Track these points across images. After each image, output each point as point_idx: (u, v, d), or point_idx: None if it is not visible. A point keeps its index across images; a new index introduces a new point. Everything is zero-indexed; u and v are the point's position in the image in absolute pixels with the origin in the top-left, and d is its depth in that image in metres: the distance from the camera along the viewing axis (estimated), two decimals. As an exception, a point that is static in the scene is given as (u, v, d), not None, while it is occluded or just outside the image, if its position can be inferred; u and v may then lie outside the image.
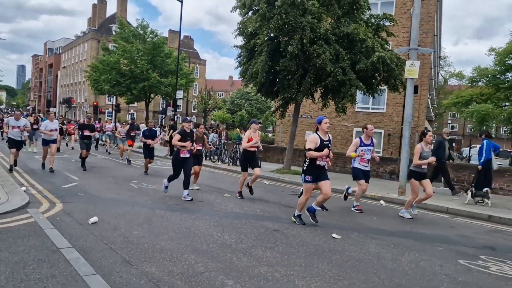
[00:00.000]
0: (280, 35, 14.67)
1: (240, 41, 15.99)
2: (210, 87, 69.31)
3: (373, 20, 15.58)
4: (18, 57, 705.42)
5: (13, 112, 18.85)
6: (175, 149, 8.79)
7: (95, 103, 32.96)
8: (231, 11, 15.93)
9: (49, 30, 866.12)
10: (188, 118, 10.74)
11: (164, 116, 28.97)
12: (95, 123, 20.40)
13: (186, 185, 8.53)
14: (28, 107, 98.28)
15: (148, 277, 3.95)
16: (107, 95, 32.73)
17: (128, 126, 16.51)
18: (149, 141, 12.80)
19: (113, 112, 32.34)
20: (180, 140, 8.40)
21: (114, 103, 30.58)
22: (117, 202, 7.73)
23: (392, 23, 15.95)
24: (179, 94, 22.80)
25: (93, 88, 28.71)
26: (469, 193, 10.17)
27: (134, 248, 4.83)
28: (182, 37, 73.90)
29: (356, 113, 25.10)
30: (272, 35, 14.86)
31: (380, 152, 23.61)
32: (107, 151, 20.14)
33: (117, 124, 24.84)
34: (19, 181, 9.15)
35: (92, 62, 30.77)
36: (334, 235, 6.08)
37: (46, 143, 11.67)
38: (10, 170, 10.67)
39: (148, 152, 12.74)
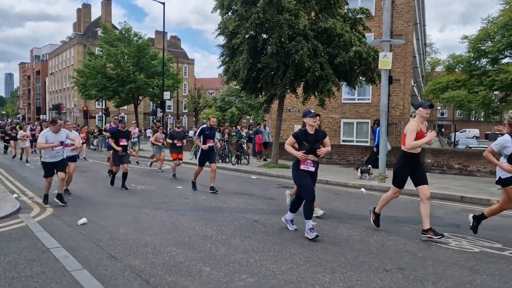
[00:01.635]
0: (259, 34, 15.02)
1: (222, 40, 16.32)
2: (200, 86, 69.53)
3: (350, 15, 15.99)
4: (5, 65, 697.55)
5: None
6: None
7: (85, 108, 33.13)
8: (211, 12, 16.24)
9: (36, 37, 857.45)
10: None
11: (154, 117, 29.20)
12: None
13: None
14: (18, 115, 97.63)
15: (132, 269, 4.30)
16: (96, 100, 32.87)
17: (173, 132, 13.93)
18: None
19: (103, 116, 32.54)
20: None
21: (103, 107, 30.79)
22: (106, 203, 8.05)
23: (368, 17, 16.35)
24: (166, 95, 23.09)
25: (81, 93, 28.88)
26: (357, 170, 12.30)
27: (120, 245, 5.18)
28: (169, 37, 74.15)
29: (343, 105, 25.54)
30: (252, 33, 15.18)
31: (367, 142, 24.08)
32: (136, 161, 17.42)
33: (147, 130, 24.48)
34: (10, 189, 9.43)
35: (78, 67, 30.89)
36: (310, 222, 6.45)
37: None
38: (45, 201, 7.66)
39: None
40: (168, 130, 26.38)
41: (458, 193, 9.45)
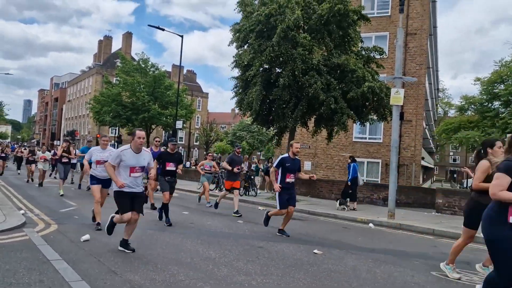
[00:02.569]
0: (272, 67, 15.34)
1: (236, 72, 16.67)
2: (212, 119, 70.34)
3: (363, 53, 16.30)
4: (25, 92, 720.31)
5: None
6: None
7: (98, 135, 33.55)
8: (228, 45, 16.68)
9: (57, 66, 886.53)
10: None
11: (166, 147, 29.46)
12: (54, 151, 18.39)
13: None
14: (33, 140, 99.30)
15: (131, 284, 4.22)
16: (109, 127, 33.36)
17: (233, 156, 11.17)
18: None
19: (116, 143, 32.91)
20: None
21: (115, 135, 31.24)
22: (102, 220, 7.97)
23: (381, 55, 16.61)
24: (179, 124, 23.35)
25: (95, 120, 29.42)
26: (337, 202, 13.24)
27: (121, 261, 5.10)
28: (185, 71, 75.96)
29: (354, 143, 25.48)
30: (266, 66, 15.49)
31: (378, 180, 23.85)
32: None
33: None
34: (18, 206, 9.46)
35: (94, 95, 31.67)
36: (315, 250, 6.32)
37: (98, 180, 7.49)
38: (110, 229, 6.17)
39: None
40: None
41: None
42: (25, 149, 23.26)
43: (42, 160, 15.92)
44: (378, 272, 5.26)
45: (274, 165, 7.75)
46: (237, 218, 9.78)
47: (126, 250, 5.61)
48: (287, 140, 17.63)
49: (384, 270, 5.38)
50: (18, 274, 4.25)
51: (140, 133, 5.68)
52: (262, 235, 7.67)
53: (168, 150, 8.98)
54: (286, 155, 7.76)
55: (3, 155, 20.54)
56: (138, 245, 6.14)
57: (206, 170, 13.13)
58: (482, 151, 5.08)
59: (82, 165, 15.26)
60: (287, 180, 7.51)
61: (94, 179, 7.53)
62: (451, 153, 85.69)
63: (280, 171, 7.62)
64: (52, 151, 19.41)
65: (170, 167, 8.51)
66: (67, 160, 13.90)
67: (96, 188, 7.42)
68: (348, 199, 13.35)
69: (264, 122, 17.10)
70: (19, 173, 21.43)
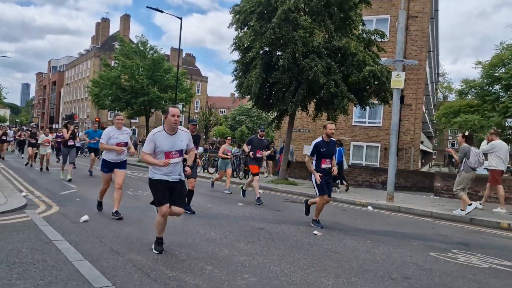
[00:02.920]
0: (273, 49, 15.20)
1: (236, 55, 16.54)
2: (212, 103, 70.05)
3: (364, 35, 16.14)
4: (23, 75, 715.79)
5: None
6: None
7: (97, 119, 33.44)
8: (227, 27, 16.49)
9: (54, 49, 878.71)
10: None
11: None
12: (57, 134, 17.88)
13: None
14: (31, 124, 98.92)
15: (133, 263, 4.26)
16: (108, 111, 33.10)
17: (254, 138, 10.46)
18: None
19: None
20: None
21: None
22: (111, 205, 8.01)
23: (382, 38, 16.43)
24: (178, 108, 23.16)
25: (94, 103, 29.23)
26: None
27: (123, 241, 5.14)
28: (184, 54, 75.30)
29: (353, 127, 25.48)
30: (266, 49, 15.35)
31: (377, 165, 23.92)
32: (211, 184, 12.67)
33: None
34: (19, 188, 9.48)
35: (93, 78, 31.39)
36: (315, 232, 6.38)
37: (109, 167, 7.06)
38: (99, 206, 7.32)
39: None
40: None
41: (468, 215, 9.24)
42: (25, 131, 22.59)
43: (47, 144, 14.84)
44: (377, 252, 5.31)
45: (309, 153, 6.89)
46: (237, 201, 9.81)
47: (156, 251, 4.77)
48: (287, 124, 17.60)
49: (383, 251, 5.43)
50: (21, 254, 4.29)
51: (174, 110, 4.73)
52: (263, 217, 7.72)
53: (259, 135, 9.40)
54: (320, 139, 6.84)
55: (3, 137, 19.80)
56: (139, 226, 6.19)
57: (228, 155, 12.48)
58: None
59: (90, 150, 14.88)
60: (323, 166, 6.80)
61: (106, 166, 6.99)
62: (450, 138, 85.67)
63: (315, 158, 6.91)
64: (55, 134, 18.67)
65: (260, 153, 9.11)
66: (72, 143, 13.41)
67: (107, 177, 7.08)
68: (338, 182, 13.36)
69: (264, 106, 17.02)
70: (22, 157, 20.68)
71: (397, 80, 12.67)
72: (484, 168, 11.52)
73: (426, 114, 31.14)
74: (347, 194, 12.83)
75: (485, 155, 9.95)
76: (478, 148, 9.90)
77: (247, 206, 9.10)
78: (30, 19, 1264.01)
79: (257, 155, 10.06)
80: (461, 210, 9.10)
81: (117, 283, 3.68)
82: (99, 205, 7.26)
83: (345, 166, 14.39)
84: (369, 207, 10.40)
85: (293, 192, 12.93)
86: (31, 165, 16.18)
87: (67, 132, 13.69)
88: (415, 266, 4.73)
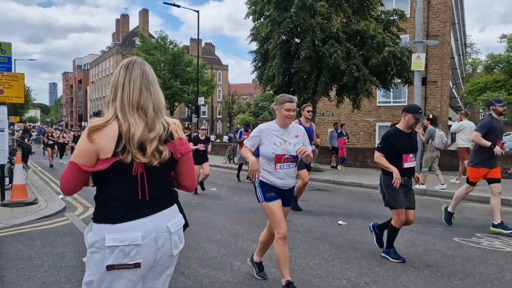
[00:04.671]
0: (291, 38, 15.20)
1: (254, 46, 16.60)
2: (233, 91, 70.20)
3: (383, 16, 15.89)
4: (50, 75, 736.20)
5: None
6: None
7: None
8: (244, 18, 16.58)
9: (77, 47, 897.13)
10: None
11: (190, 122, 29.93)
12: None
13: None
14: (61, 123, 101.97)
15: (168, 262, 4.57)
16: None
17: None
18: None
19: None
20: None
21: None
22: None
23: (402, 18, 16.11)
24: (201, 100, 23.64)
25: (120, 101, 30.03)
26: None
27: (156, 241, 5.47)
28: (203, 44, 75.47)
29: (378, 108, 25.19)
30: (284, 38, 15.35)
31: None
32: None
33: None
34: (56, 190, 10.02)
35: (116, 76, 32.17)
36: (340, 222, 6.56)
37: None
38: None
39: None
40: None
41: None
42: (67, 132, 20.92)
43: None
44: (401, 240, 5.45)
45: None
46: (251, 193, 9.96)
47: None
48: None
49: (407, 238, 5.57)
50: (66, 257, 4.67)
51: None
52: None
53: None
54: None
55: (50, 142, 17.47)
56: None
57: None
58: None
59: None
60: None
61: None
62: (481, 110, 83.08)
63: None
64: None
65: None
66: None
67: None
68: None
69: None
70: (60, 162, 18.13)
71: (418, 62, 12.54)
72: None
73: (453, 89, 30.30)
74: (373, 177, 12.81)
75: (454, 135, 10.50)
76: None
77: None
78: (52, 20, 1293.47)
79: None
80: (441, 184, 10.14)
81: (154, 282, 3.98)
82: None
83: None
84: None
85: (318, 179, 13.03)
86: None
87: None
88: (437, 253, 4.86)
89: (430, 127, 10.53)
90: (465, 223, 6.64)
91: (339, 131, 16.75)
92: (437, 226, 6.33)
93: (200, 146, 9.56)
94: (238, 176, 12.84)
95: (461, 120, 11.03)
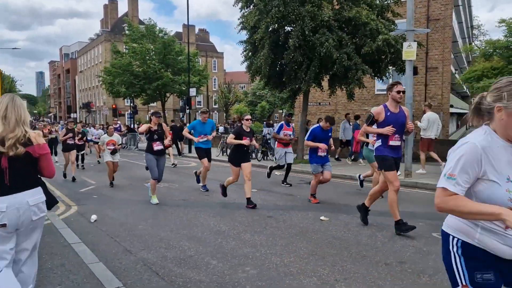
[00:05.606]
0: (281, 27, 15.00)
1: (244, 35, 16.38)
2: (230, 80, 69.45)
3: (377, 2, 15.56)
4: (37, 64, 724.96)
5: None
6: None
7: (113, 106, 34.14)
8: (233, 5, 16.35)
9: (65, 34, 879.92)
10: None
11: (183, 114, 29.83)
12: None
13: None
14: (49, 115, 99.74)
15: (144, 262, 4.58)
16: (123, 98, 33.45)
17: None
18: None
19: (132, 113, 33.43)
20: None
21: (131, 105, 31.72)
22: (128, 201, 8.40)
23: (397, 3, 15.82)
24: (193, 91, 23.47)
25: (109, 92, 29.68)
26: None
27: (136, 240, 5.48)
28: (197, 31, 74.57)
29: (376, 96, 24.80)
30: (273, 27, 15.12)
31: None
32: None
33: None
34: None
35: (105, 66, 31.69)
36: (322, 217, 6.57)
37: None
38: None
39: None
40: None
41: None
42: (51, 126, 17.66)
43: (111, 147, 10.32)
44: (379, 236, 5.48)
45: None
46: (253, 188, 9.83)
47: None
48: (301, 102, 17.45)
49: (386, 234, 5.60)
50: (41, 259, 4.63)
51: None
52: (274, 204, 7.94)
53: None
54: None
55: (71, 142, 11.83)
56: (154, 222, 6.52)
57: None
58: None
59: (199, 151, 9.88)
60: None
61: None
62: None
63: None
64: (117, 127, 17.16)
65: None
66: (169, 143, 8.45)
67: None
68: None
69: (277, 86, 16.93)
70: (56, 161, 14.92)
71: (409, 51, 12.41)
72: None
73: (456, 74, 29.88)
74: (365, 170, 12.71)
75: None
76: None
77: (260, 192, 9.31)
78: (38, 5, 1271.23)
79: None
80: (422, 169, 11.12)
81: (127, 284, 3.99)
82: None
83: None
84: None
85: (310, 172, 12.92)
86: (66, 176, 12.02)
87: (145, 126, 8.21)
88: (413, 249, 4.89)
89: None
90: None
91: (352, 123, 16.32)
92: (420, 221, 6.33)
93: (245, 141, 7.50)
94: (285, 180, 10.49)
95: (425, 112, 11.72)
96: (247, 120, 7.82)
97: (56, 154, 15.99)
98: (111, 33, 60.76)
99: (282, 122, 10.80)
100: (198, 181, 9.97)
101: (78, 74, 75.42)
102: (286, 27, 15.01)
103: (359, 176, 9.25)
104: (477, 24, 48.44)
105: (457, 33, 30.50)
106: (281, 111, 61.95)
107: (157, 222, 6.51)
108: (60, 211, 7.27)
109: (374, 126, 5.75)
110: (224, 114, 64.17)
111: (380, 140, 5.68)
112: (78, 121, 43.60)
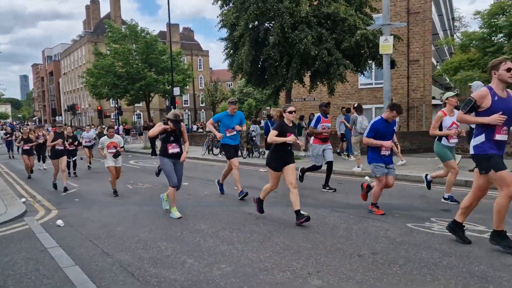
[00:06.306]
0: (260, 24, 15.04)
1: (224, 33, 16.38)
2: (216, 78, 69.20)
3: (356, -3, 15.65)
4: (20, 67, 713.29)
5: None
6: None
7: (99, 108, 33.84)
8: (212, 4, 16.33)
9: (48, 36, 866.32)
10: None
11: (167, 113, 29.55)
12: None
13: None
14: (34, 118, 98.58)
15: (120, 264, 4.59)
16: (107, 100, 32.95)
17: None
18: None
19: (117, 115, 33.17)
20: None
21: (116, 106, 31.43)
22: (110, 203, 8.33)
23: None
24: (176, 91, 23.39)
25: (92, 93, 29.33)
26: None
27: (114, 242, 5.47)
28: (181, 29, 74.02)
29: (360, 90, 25.02)
30: (253, 24, 15.15)
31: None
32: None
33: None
34: (20, 193, 9.82)
35: (87, 68, 31.31)
36: (302, 212, 6.61)
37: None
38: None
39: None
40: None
41: (463, 178, 9.22)
42: (42, 128, 15.65)
43: (112, 150, 9.23)
44: (355, 229, 5.56)
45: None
46: (232, 185, 9.87)
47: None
48: (284, 99, 17.50)
49: (361, 226, 5.68)
50: (16, 265, 4.64)
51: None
52: (254, 201, 7.94)
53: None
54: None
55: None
56: (134, 223, 6.51)
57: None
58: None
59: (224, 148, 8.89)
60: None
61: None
62: (471, 84, 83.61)
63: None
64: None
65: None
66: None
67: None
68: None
69: (259, 82, 16.98)
70: (44, 168, 14.92)
71: (386, 45, 12.62)
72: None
73: (438, 66, 30.25)
74: (349, 163, 12.80)
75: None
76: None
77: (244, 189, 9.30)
78: (20, 8, 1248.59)
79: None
80: (358, 167, 11.31)
81: (102, 285, 4.00)
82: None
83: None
84: (366, 177, 10.34)
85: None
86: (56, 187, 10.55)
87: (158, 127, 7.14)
88: (386, 240, 4.98)
89: (354, 114, 11.90)
90: (424, 208, 6.80)
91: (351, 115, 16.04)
92: (396, 212, 6.43)
93: (290, 138, 5.95)
94: (326, 183, 8.90)
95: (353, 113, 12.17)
96: (290, 112, 6.08)
97: (44, 161, 14.91)
98: (93, 34, 60.11)
99: (318, 114, 8.84)
100: (222, 191, 8.82)
101: (62, 76, 74.48)
102: (265, 24, 15.06)
103: (426, 176, 7.63)
104: (458, 16, 49.05)
105: (438, 26, 30.84)
106: (268, 107, 61.88)
107: (137, 223, 6.50)
108: (39, 216, 7.22)
109: (473, 114, 4.50)
110: (212, 113, 63.96)
111: (483, 134, 4.40)
112: (64, 123, 42.95)
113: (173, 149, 6.82)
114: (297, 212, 5.95)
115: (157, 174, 10.42)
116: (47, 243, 5.47)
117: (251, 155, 17.29)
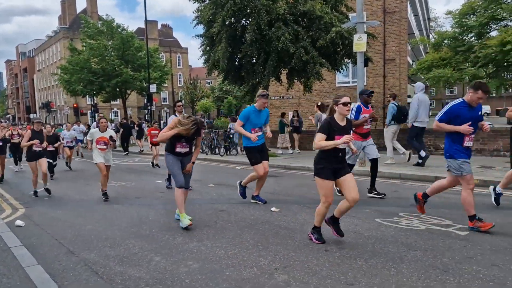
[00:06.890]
0: (237, 21, 14.98)
1: (201, 29, 16.28)
2: (195, 75, 68.78)
3: (331, -5, 15.76)
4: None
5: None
6: None
7: (75, 105, 33.07)
8: (189, 0, 16.18)
9: (24, 32, 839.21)
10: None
11: (147, 111, 29.27)
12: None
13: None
14: (7, 116, 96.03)
15: (85, 262, 4.48)
16: (82, 97, 32.23)
17: None
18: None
19: (93, 112, 32.49)
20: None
21: (92, 103, 30.83)
22: (81, 202, 8.14)
23: None
24: (153, 88, 23.12)
25: (66, 90, 28.72)
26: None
27: (82, 241, 5.34)
28: (160, 26, 73.26)
29: (337, 88, 25.15)
30: (230, 21, 15.07)
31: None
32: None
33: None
34: (-13, 191, 9.57)
35: (61, 64, 30.64)
36: (272, 208, 6.63)
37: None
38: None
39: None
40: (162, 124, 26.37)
41: (433, 173, 9.36)
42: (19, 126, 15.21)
43: (102, 146, 8.25)
44: (324, 224, 5.57)
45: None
46: (208, 182, 9.90)
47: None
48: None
49: (332, 221, 5.70)
50: (-26, 266, 4.48)
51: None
52: (228, 198, 7.89)
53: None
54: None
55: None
56: (104, 222, 6.38)
57: None
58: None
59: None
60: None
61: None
62: (447, 85, 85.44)
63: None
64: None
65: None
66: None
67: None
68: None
69: (236, 80, 16.92)
70: (20, 168, 14.18)
71: (360, 43, 12.69)
72: None
73: (414, 65, 30.81)
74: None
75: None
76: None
77: (217, 187, 9.29)
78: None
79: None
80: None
81: (63, 285, 3.90)
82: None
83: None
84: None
85: (272, 165, 12.92)
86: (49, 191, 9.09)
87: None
88: (354, 235, 5.02)
89: (318, 112, 12.02)
90: (394, 203, 6.89)
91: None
92: (366, 208, 6.47)
93: (344, 139, 4.48)
94: (372, 187, 7.59)
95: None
96: (345, 105, 4.65)
97: (20, 160, 13.78)
98: (69, 30, 58.72)
99: (358, 103, 7.63)
100: (244, 196, 7.53)
101: (36, 73, 72.63)
102: (242, 21, 15.01)
103: (494, 188, 6.40)
104: (434, 16, 50.16)
105: (414, 26, 31.38)
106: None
107: (106, 222, 6.38)
108: (5, 215, 7.00)
109: None
110: (191, 110, 63.51)
111: None
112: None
113: (182, 148, 5.88)
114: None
115: (168, 184, 9.34)
116: (11, 242, 5.31)
117: (228, 152, 17.24)
